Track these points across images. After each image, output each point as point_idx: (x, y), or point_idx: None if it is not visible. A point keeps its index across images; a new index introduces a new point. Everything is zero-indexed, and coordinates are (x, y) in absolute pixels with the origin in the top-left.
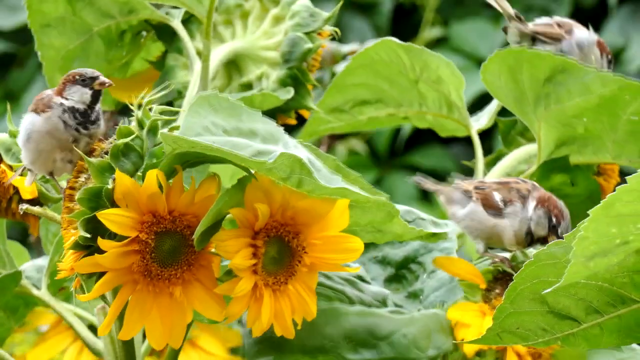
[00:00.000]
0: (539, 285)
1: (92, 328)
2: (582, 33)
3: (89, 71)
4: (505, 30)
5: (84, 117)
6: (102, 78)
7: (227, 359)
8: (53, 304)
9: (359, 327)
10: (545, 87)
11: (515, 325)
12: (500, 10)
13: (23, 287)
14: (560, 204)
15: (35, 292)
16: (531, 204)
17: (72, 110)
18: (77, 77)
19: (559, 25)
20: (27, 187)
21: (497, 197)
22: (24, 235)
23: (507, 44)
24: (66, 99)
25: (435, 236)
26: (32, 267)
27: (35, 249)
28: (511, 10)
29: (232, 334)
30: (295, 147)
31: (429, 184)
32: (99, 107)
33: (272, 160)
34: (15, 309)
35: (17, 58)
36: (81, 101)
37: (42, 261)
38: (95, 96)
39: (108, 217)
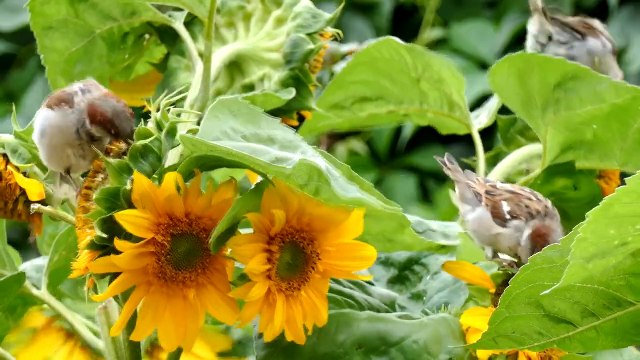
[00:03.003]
0: (535, 289)
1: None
2: (596, 42)
3: (122, 129)
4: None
5: (97, 140)
6: (122, 144)
7: None
8: (53, 303)
9: (370, 334)
10: (555, 92)
11: (510, 329)
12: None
13: (23, 287)
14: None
15: (35, 291)
16: (527, 230)
17: (88, 131)
18: (109, 127)
19: (584, 25)
20: (35, 187)
21: (505, 207)
22: (23, 235)
23: (507, 45)
24: (90, 126)
25: (444, 248)
26: (31, 267)
27: (34, 249)
28: (539, 2)
29: (221, 339)
30: (313, 155)
31: (451, 170)
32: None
33: (291, 167)
34: (13, 309)
35: (17, 58)
36: (99, 138)
37: (42, 261)
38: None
39: (125, 217)
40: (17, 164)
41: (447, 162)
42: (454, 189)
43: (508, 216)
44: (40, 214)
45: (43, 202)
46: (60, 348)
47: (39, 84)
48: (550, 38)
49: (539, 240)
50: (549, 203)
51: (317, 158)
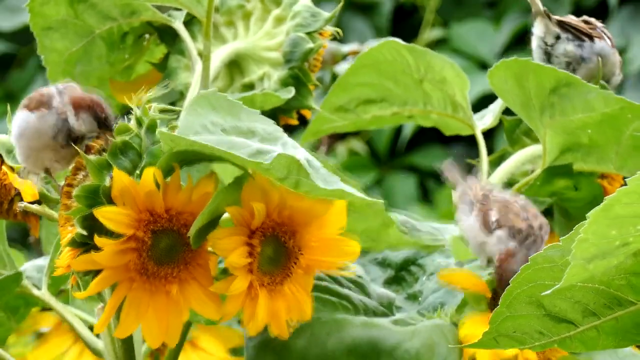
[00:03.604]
0: (535, 289)
1: (92, 329)
2: (602, 41)
3: (111, 117)
4: (533, 18)
5: (76, 142)
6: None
7: (225, 359)
8: (53, 304)
9: (362, 341)
10: (550, 97)
11: (511, 329)
12: (529, 2)
13: (23, 287)
14: (514, 269)
15: (35, 292)
16: (502, 247)
17: (69, 132)
18: (98, 111)
19: (586, 23)
20: (30, 188)
21: (493, 217)
22: (23, 236)
23: (507, 45)
24: (75, 118)
25: (430, 248)
26: (32, 267)
27: (35, 249)
28: (541, 6)
29: (233, 335)
30: (294, 147)
31: (452, 174)
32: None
33: (270, 161)
34: (15, 309)
35: (17, 58)
36: (86, 131)
37: (43, 261)
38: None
39: (105, 214)
40: (13, 164)
41: (445, 168)
42: (455, 189)
43: (493, 226)
44: (37, 215)
45: (39, 203)
46: (70, 348)
47: (39, 84)
48: (558, 37)
49: (504, 262)
50: (536, 222)
51: (297, 150)
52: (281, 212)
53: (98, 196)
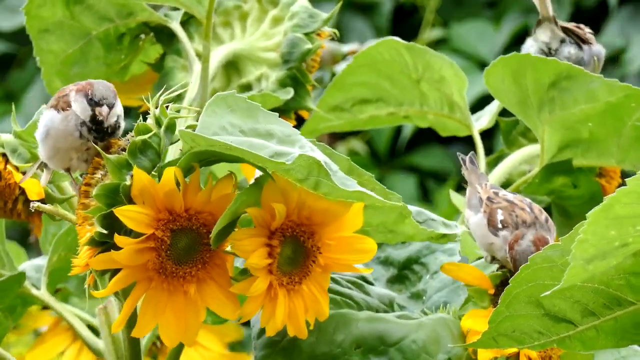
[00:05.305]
0: (535, 289)
1: (90, 328)
2: (598, 46)
3: (99, 93)
4: (537, 24)
5: (99, 132)
6: (103, 109)
7: (224, 355)
8: (52, 303)
9: (368, 334)
10: (549, 92)
11: (511, 328)
12: (538, 8)
13: (22, 286)
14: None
15: (34, 291)
16: (509, 239)
17: (87, 123)
18: (88, 91)
19: (579, 28)
20: (35, 187)
21: (499, 217)
22: (23, 235)
23: (507, 45)
24: (76, 107)
25: (446, 237)
26: (31, 267)
27: (35, 249)
28: (551, 11)
29: (230, 329)
30: (311, 149)
31: (468, 170)
32: (119, 113)
33: (291, 162)
34: (13, 309)
35: (17, 59)
36: (82, 114)
37: (41, 261)
38: (94, 119)
39: (125, 213)
40: (17, 163)
41: (467, 161)
42: (454, 189)
43: (500, 225)
44: (40, 214)
45: (43, 202)
46: (68, 347)
47: (39, 84)
48: (562, 41)
49: (513, 246)
50: (542, 215)
51: (315, 152)
52: (300, 212)
53: (118, 195)
